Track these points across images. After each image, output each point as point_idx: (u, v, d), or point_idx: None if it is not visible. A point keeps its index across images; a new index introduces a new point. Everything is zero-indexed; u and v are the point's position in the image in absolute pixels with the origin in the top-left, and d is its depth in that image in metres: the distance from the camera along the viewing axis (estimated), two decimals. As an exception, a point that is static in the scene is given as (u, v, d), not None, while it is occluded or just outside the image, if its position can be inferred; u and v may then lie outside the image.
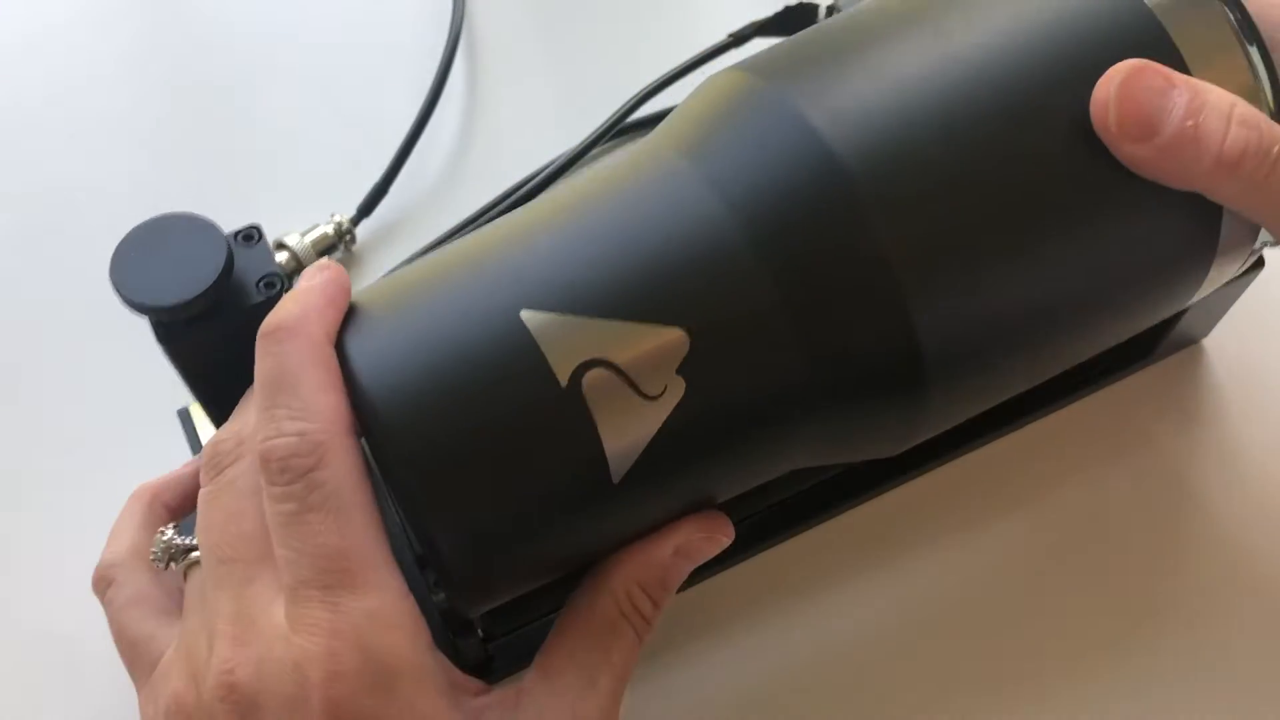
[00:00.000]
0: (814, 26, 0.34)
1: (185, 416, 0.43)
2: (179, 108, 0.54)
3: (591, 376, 0.28)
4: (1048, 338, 0.32)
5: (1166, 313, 0.35)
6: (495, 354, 0.28)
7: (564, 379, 0.28)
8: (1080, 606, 0.39)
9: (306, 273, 0.30)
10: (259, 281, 0.33)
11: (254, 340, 0.30)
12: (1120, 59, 0.30)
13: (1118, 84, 0.29)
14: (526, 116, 0.53)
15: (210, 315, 0.32)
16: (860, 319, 0.29)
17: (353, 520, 0.27)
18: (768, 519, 0.39)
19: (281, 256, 0.46)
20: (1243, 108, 0.29)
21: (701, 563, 0.31)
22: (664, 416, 0.28)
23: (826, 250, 0.29)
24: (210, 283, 0.31)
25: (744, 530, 0.39)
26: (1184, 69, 0.30)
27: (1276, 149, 0.29)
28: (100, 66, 0.55)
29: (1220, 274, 0.34)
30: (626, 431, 0.28)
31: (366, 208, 0.48)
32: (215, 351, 0.33)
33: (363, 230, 0.49)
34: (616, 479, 0.28)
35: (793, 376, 0.29)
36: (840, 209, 0.29)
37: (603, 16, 0.56)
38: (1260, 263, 0.39)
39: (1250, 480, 0.41)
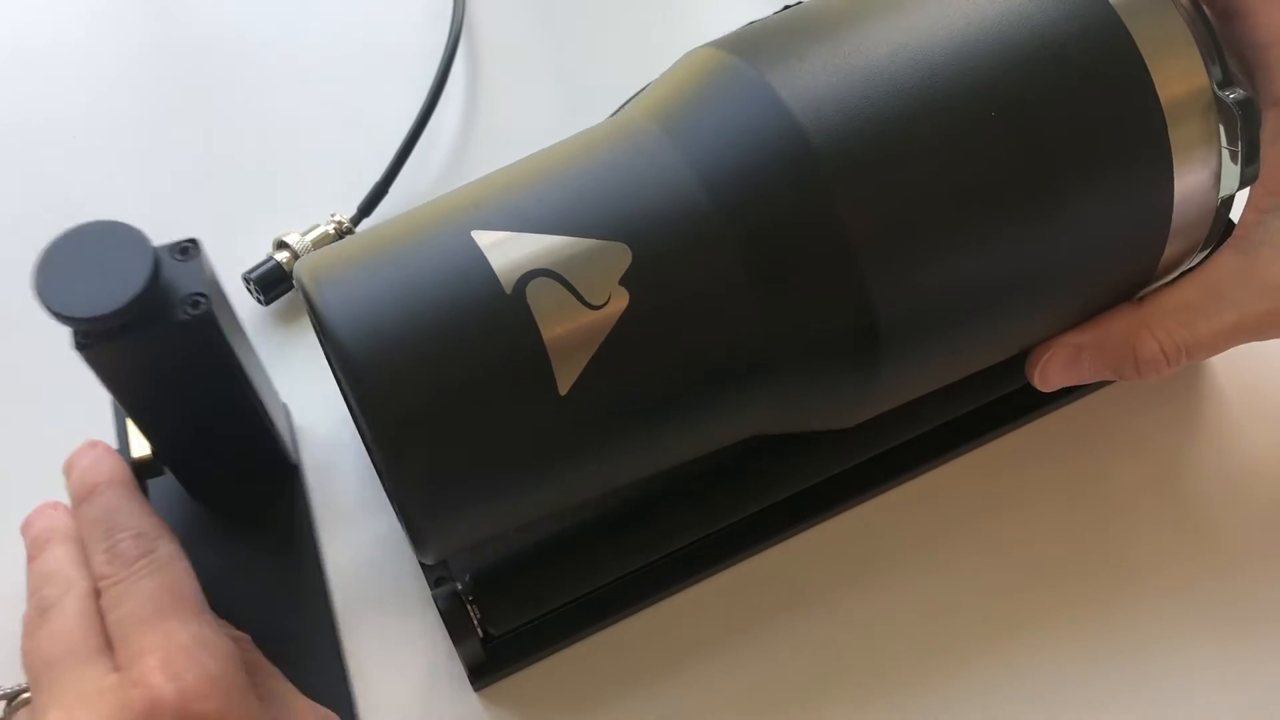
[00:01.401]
0: (791, 10, 0.35)
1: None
2: (180, 108, 0.54)
3: (536, 284, 0.29)
4: (1000, 316, 0.33)
5: (1121, 294, 0.36)
6: (448, 271, 0.30)
7: (509, 287, 0.29)
8: (1081, 607, 0.39)
9: (79, 453, 0.37)
10: (186, 300, 0.32)
11: (179, 356, 0.33)
12: (1082, 55, 0.32)
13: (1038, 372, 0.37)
14: (526, 116, 0.53)
15: (133, 328, 0.32)
16: (813, 280, 0.31)
17: (182, 582, 0.33)
18: (759, 523, 0.40)
19: (282, 256, 0.46)
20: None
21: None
22: (609, 325, 0.29)
23: (778, 200, 0.30)
24: (132, 297, 0.31)
25: (741, 530, 0.39)
26: (1141, 62, 0.32)
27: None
28: (100, 66, 0.55)
29: (1178, 254, 0.35)
30: (570, 337, 0.29)
31: (366, 208, 0.48)
32: (136, 363, 0.33)
33: (363, 230, 0.49)
34: (564, 388, 0.29)
35: (740, 313, 0.31)
36: (798, 173, 0.30)
37: (603, 16, 0.56)
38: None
39: (1250, 481, 0.41)
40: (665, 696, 0.38)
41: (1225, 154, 0.33)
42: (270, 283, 0.46)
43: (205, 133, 0.53)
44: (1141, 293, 0.36)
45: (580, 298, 0.29)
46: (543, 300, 0.29)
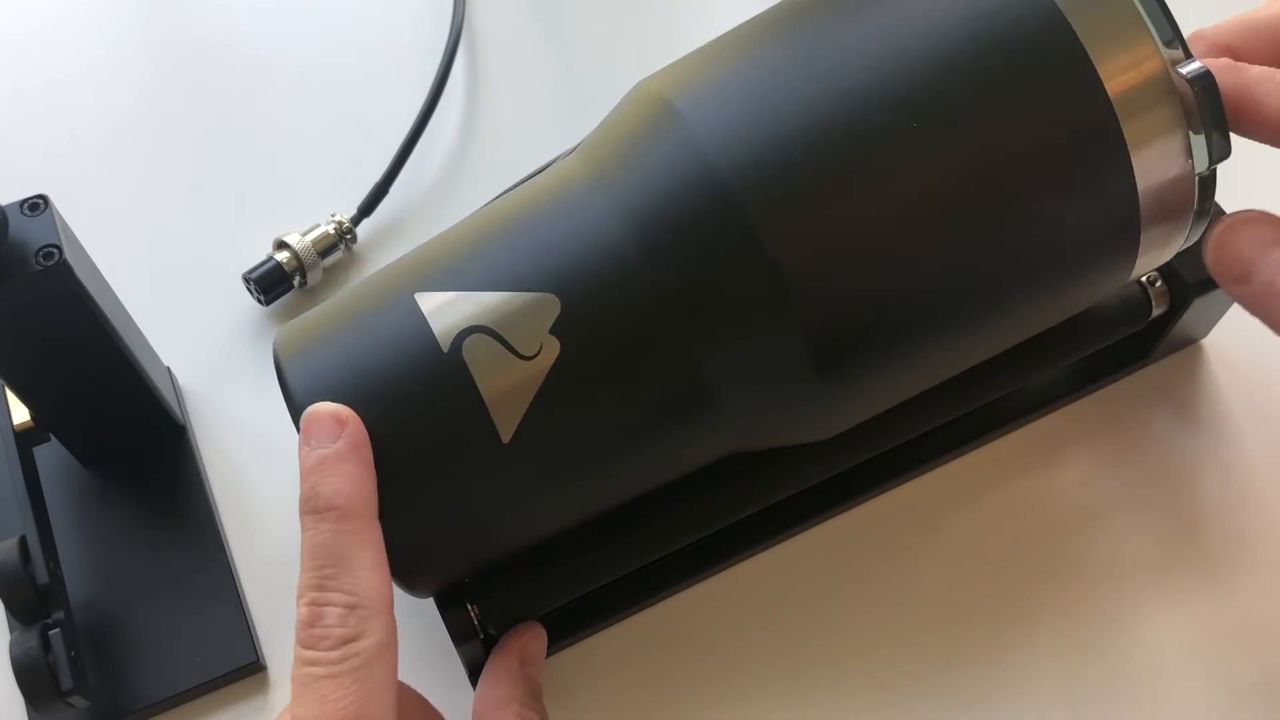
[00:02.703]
0: (729, 31, 0.35)
1: None
2: (180, 108, 0.54)
3: (471, 341, 0.31)
4: (954, 330, 0.33)
5: (1085, 300, 0.36)
6: (393, 336, 0.31)
7: (446, 346, 0.31)
8: (1081, 606, 0.39)
9: (323, 427, 0.31)
10: (38, 252, 0.34)
11: (40, 311, 0.34)
12: (1016, 51, 0.31)
13: (1220, 229, 0.33)
14: (526, 116, 0.53)
15: None
16: (744, 316, 0.31)
17: (373, 695, 0.29)
18: (759, 523, 0.40)
19: (282, 256, 0.46)
20: None
21: (542, 659, 0.36)
22: (542, 374, 0.31)
23: (701, 241, 0.31)
24: None
25: (741, 531, 0.39)
26: (1087, 61, 0.30)
27: None
28: (101, 66, 0.55)
29: (1162, 238, 0.34)
30: (506, 388, 0.31)
31: (366, 208, 0.48)
32: None
33: (363, 230, 0.49)
34: (506, 436, 0.31)
35: (674, 351, 0.31)
36: (718, 213, 0.30)
37: (603, 16, 0.56)
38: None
39: (1250, 480, 0.41)
40: (665, 696, 0.38)
41: (1196, 131, 0.31)
42: (270, 283, 0.46)
43: (205, 132, 0.53)
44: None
45: (513, 350, 0.31)
46: (478, 356, 0.31)
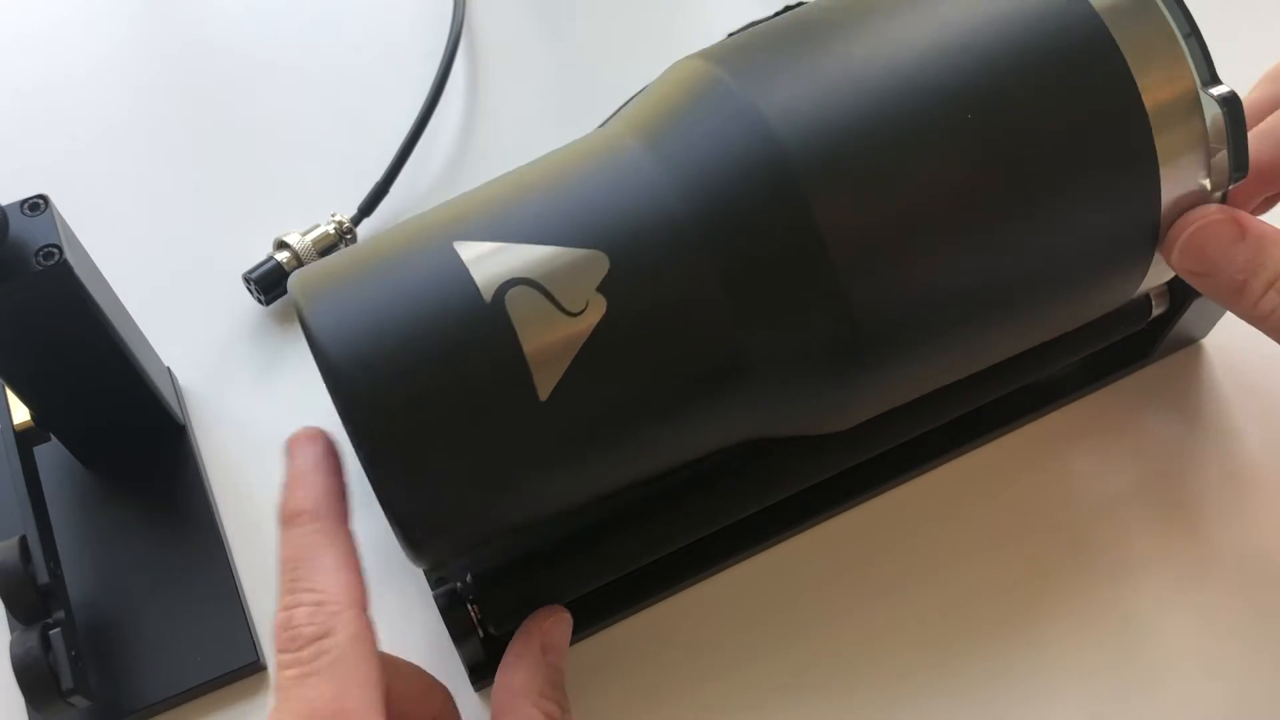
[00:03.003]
0: (778, 18, 0.35)
1: None
2: (180, 108, 0.54)
3: (515, 293, 0.30)
4: (982, 324, 0.33)
5: (1102, 306, 0.36)
6: (430, 283, 0.30)
7: (489, 296, 0.30)
8: (1082, 603, 0.39)
9: (298, 445, 0.32)
10: (38, 252, 0.34)
11: (41, 311, 0.34)
12: (1063, 59, 0.31)
13: (1190, 231, 0.33)
14: (526, 116, 0.53)
15: None
16: (790, 289, 0.31)
17: (350, 688, 0.29)
18: (759, 522, 0.39)
19: (282, 256, 0.46)
20: None
21: (565, 646, 0.35)
22: (587, 332, 0.30)
23: (755, 210, 0.30)
24: None
25: (742, 530, 0.39)
26: (1127, 71, 0.31)
27: None
28: (101, 66, 0.55)
29: (1160, 271, 0.35)
30: (549, 344, 0.30)
31: (366, 208, 0.48)
32: None
33: (363, 230, 0.49)
34: (544, 394, 0.30)
35: (718, 319, 0.31)
36: (774, 184, 0.30)
37: (603, 16, 0.56)
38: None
39: (1250, 480, 0.41)
40: (665, 695, 0.38)
41: (1214, 152, 0.32)
42: (270, 283, 0.46)
43: (206, 132, 0.53)
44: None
45: (559, 305, 0.30)
46: (521, 308, 0.30)
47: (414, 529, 0.31)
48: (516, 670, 0.34)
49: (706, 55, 0.33)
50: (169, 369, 0.45)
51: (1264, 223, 0.33)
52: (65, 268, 0.34)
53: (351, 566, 0.30)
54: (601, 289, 0.30)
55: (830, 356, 0.32)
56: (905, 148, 0.31)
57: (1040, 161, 0.31)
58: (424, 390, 0.29)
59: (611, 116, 0.35)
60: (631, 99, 0.35)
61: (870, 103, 0.31)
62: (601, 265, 0.30)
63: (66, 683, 0.35)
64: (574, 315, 0.30)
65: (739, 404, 0.32)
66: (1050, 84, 0.31)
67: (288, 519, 0.31)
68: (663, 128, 0.32)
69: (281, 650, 0.30)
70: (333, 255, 0.32)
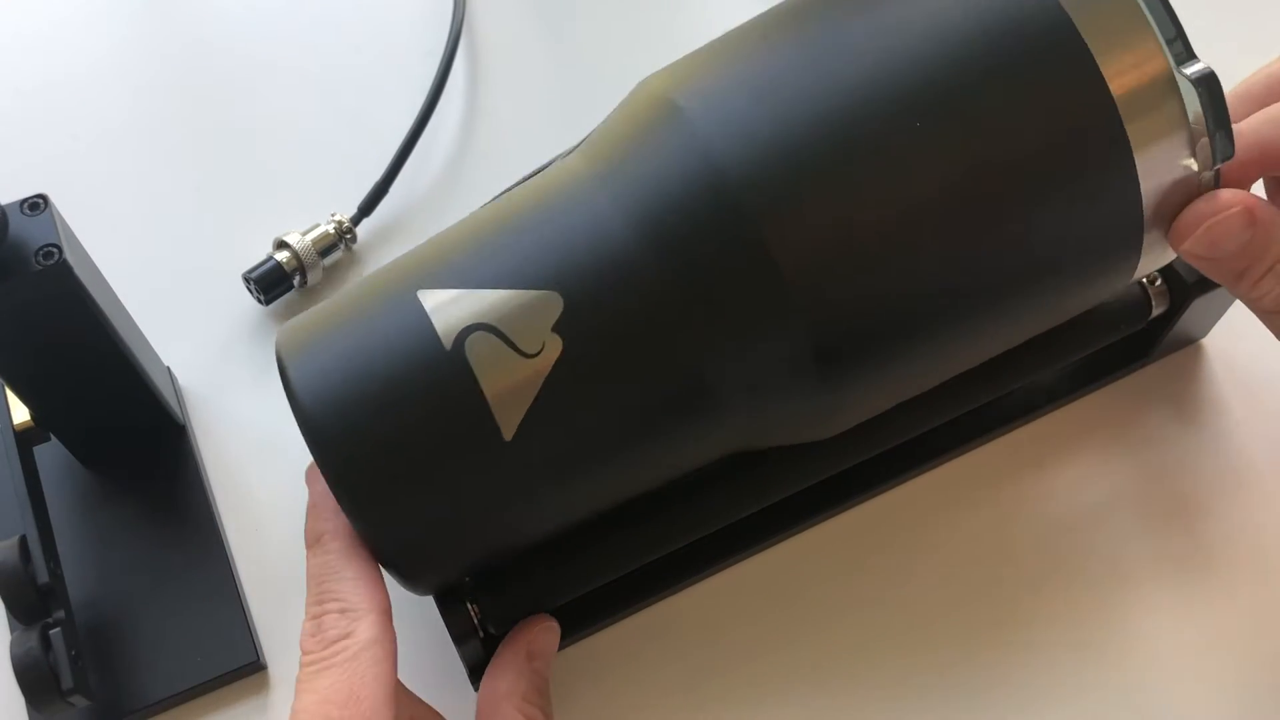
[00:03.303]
0: (736, 28, 0.35)
1: None
2: (180, 108, 0.54)
3: (474, 339, 0.31)
4: (956, 330, 0.33)
5: (1087, 302, 0.36)
6: (395, 333, 0.31)
7: (449, 344, 0.31)
8: (1081, 603, 0.39)
9: (316, 473, 0.34)
10: (38, 252, 0.34)
11: (41, 310, 0.35)
12: (1019, 53, 0.30)
13: (1206, 227, 0.32)
14: (526, 116, 0.53)
15: None
16: (747, 314, 0.31)
17: (365, 681, 0.31)
18: (758, 522, 0.39)
19: (282, 256, 0.46)
20: None
21: (552, 654, 0.36)
22: (545, 372, 0.31)
23: (704, 240, 0.31)
24: None
25: (740, 530, 0.39)
26: (1091, 60, 0.30)
27: None
28: (101, 66, 0.55)
29: (1149, 261, 0.34)
30: (508, 386, 0.31)
31: (366, 208, 0.48)
32: None
33: (363, 230, 0.49)
34: (509, 434, 0.31)
35: (677, 349, 0.31)
36: (721, 211, 0.30)
37: (603, 17, 0.56)
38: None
39: (1250, 479, 0.41)
40: (665, 695, 0.38)
41: (1198, 133, 0.31)
42: (270, 283, 0.46)
43: (206, 132, 0.53)
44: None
45: (515, 347, 0.31)
46: (480, 353, 0.31)
47: (399, 567, 0.33)
48: (501, 676, 0.35)
49: (663, 75, 0.34)
50: (169, 369, 0.45)
51: (1273, 209, 0.32)
52: (65, 268, 0.34)
53: (374, 579, 0.32)
54: (556, 329, 0.31)
55: (795, 374, 0.32)
56: (855, 163, 0.30)
57: (1000, 164, 0.31)
58: (394, 436, 0.31)
59: (581, 142, 0.35)
60: (603, 120, 0.35)
61: (812, 116, 0.31)
62: (556, 305, 0.31)
63: (66, 683, 0.35)
64: (531, 356, 0.31)
65: (713, 425, 0.33)
66: (1006, 80, 0.31)
67: (312, 542, 0.33)
68: (613, 160, 0.32)
69: (305, 652, 0.31)
70: (315, 308, 0.34)
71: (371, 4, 0.57)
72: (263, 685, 0.40)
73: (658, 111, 0.32)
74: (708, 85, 0.32)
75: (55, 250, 0.34)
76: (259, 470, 0.44)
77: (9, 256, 0.33)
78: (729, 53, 0.33)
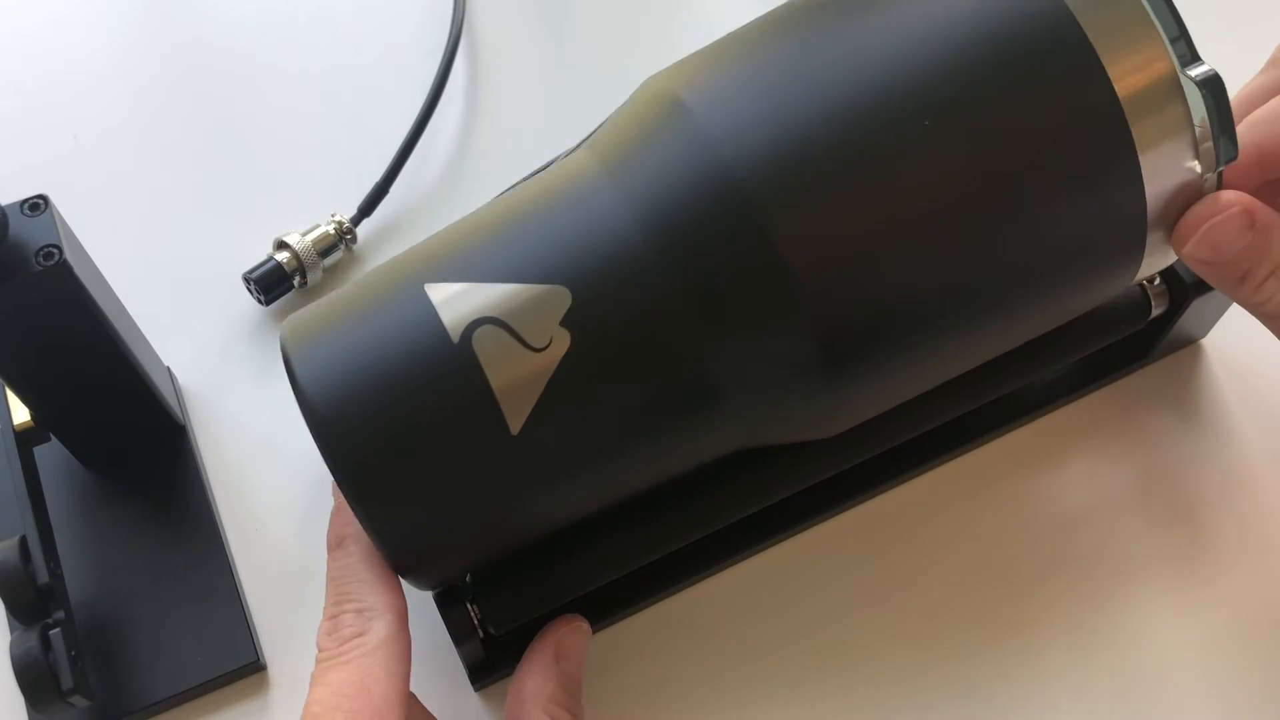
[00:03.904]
0: (743, 27, 0.35)
1: None
2: (180, 107, 0.54)
3: (481, 332, 0.31)
4: (961, 329, 0.33)
5: (1090, 302, 0.36)
6: (402, 326, 0.31)
7: (456, 337, 0.31)
8: (1081, 603, 0.39)
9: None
10: (38, 252, 0.34)
11: (41, 311, 0.35)
12: (1026, 54, 0.30)
13: (1207, 227, 0.32)
14: (526, 116, 0.53)
15: None
16: (754, 311, 0.31)
17: (378, 677, 0.31)
18: (758, 522, 0.39)
19: (282, 256, 0.46)
20: None
21: (582, 654, 0.36)
22: (552, 366, 0.31)
23: (711, 237, 0.31)
24: None
25: (741, 530, 0.39)
26: (1097, 61, 0.30)
27: None
28: (102, 66, 0.55)
29: (1152, 261, 0.34)
30: (516, 380, 0.31)
31: (366, 208, 0.48)
32: None
33: (363, 230, 0.49)
34: (515, 428, 0.31)
35: (684, 345, 0.31)
36: (728, 209, 0.30)
37: (603, 17, 0.56)
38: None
39: (1249, 479, 0.41)
40: (665, 695, 0.39)
41: (1202, 136, 0.31)
42: (270, 283, 0.46)
43: (206, 132, 0.53)
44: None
45: (523, 341, 0.31)
46: (488, 347, 0.31)
47: (404, 561, 0.33)
48: (529, 676, 0.35)
49: (670, 73, 0.34)
50: (169, 369, 0.45)
51: (1273, 212, 0.33)
52: (65, 268, 0.34)
53: (391, 582, 0.33)
54: (564, 323, 0.31)
55: (800, 372, 0.32)
56: (864, 162, 0.30)
57: (1008, 163, 0.31)
58: (401, 431, 0.31)
59: (588, 136, 0.35)
60: (604, 122, 0.35)
61: (821, 114, 0.31)
62: (564, 300, 0.31)
63: (66, 683, 0.35)
64: (538, 350, 0.31)
65: (718, 421, 0.33)
66: (1014, 80, 0.31)
67: (334, 545, 0.34)
68: (621, 156, 0.32)
69: (321, 649, 0.32)
70: (321, 301, 0.34)
71: (371, 4, 0.57)
72: (263, 685, 0.40)
73: (666, 109, 0.32)
74: (716, 84, 0.32)
75: (55, 251, 0.34)
76: (259, 470, 0.44)
77: (9, 257, 0.33)
78: (736, 51, 0.33)
